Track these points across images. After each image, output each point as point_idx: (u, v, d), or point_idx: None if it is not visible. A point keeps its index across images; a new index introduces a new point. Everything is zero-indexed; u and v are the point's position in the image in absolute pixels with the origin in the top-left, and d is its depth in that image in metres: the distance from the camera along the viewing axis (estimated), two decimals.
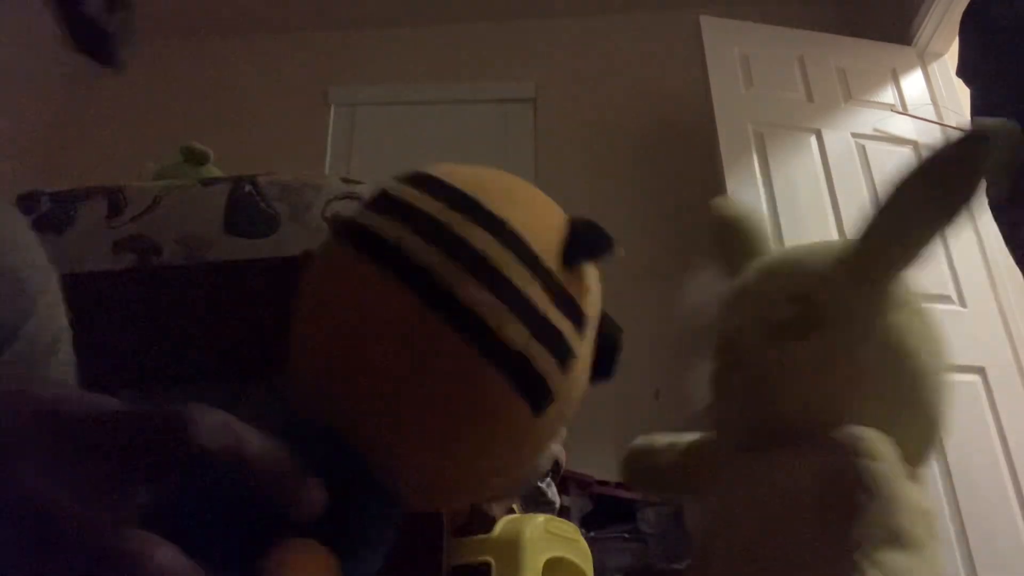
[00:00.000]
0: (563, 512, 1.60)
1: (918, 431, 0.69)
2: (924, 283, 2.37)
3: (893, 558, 0.57)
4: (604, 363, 0.42)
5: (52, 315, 0.47)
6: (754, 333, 0.72)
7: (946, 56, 2.58)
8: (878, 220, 0.70)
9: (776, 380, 0.69)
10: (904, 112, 2.47)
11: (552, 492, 1.45)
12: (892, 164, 2.37)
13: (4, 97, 2.79)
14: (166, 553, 0.25)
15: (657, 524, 1.91)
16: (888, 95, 2.53)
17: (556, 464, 1.42)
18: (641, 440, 0.86)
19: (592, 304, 0.41)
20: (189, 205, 0.93)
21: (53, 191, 0.96)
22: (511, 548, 0.75)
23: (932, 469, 1.92)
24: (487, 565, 0.73)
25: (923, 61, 2.60)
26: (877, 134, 2.43)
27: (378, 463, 0.34)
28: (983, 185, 0.65)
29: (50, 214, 0.93)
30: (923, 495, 0.65)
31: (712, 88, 2.42)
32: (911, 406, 0.68)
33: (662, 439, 0.84)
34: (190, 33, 3.26)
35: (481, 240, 0.35)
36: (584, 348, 0.39)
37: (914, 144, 2.43)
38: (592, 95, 3.06)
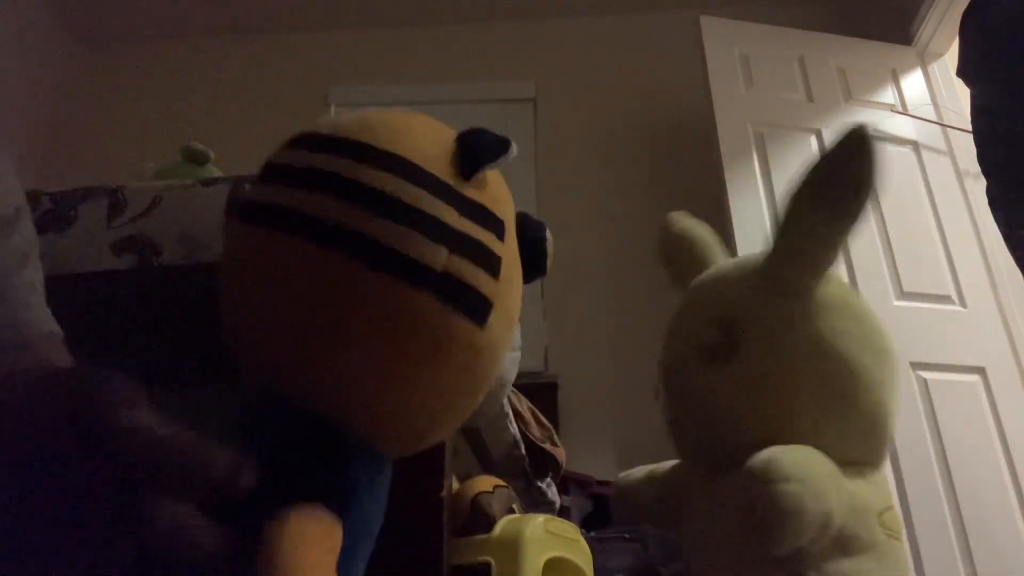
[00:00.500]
0: (563, 512, 1.60)
1: (863, 429, 0.69)
2: (924, 283, 2.36)
3: (839, 565, 0.59)
4: (535, 260, 0.42)
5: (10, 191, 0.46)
6: (686, 360, 0.73)
7: (946, 56, 2.58)
8: (781, 232, 0.70)
9: (711, 405, 0.70)
10: (904, 112, 2.47)
11: (552, 492, 1.45)
12: (892, 164, 2.38)
13: (4, 97, 2.79)
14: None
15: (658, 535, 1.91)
16: (888, 95, 2.53)
17: (556, 464, 1.42)
18: (622, 477, 0.87)
19: (504, 207, 0.40)
20: (189, 205, 0.93)
21: (53, 191, 0.96)
22: (511, 548, 0.75)
23: (932, 469, 1.92)
24: (487, 565, 0.73)
25: (923, 61, 2.60)
26: (878, 134, 2.43)
27: (344, 418, 0.34)
28: (874, 181, 0.65)
29: (50, 214, 0.93)
30: (876, 494, 0.65)
31: (712, 88, 2.42)
32: (850, 408, 0.68)
33: (640, 472, 0.85)
34: (190, 33, 3.26)
35: (372, 177, 0.35)
36: (508, 251, 0.39)
37: (914, 144, 2.43)
38: (592, 95, 3.06)
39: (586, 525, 1.90)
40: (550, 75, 3.12)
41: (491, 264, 0.36)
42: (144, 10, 3.13)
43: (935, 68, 2.60)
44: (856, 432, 0.68)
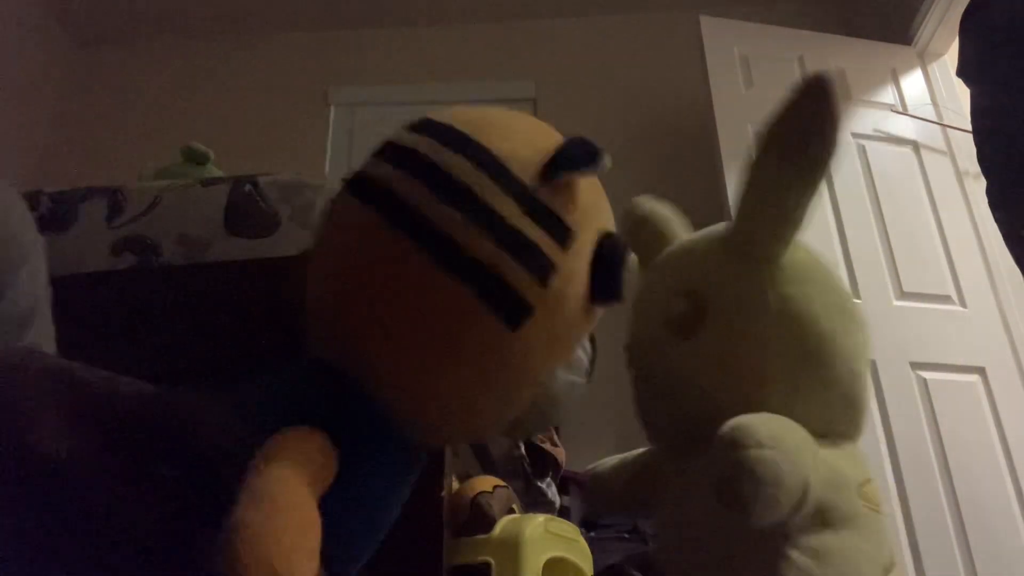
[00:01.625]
0: (563, 512, 1.60)
1: (836, 399, 0.66)
2: (924, 283, 2.37)
3: (822, 539, 0.56)
4: (604, 279, 0.41)
5: (34, 283, 0.47)
6: (654, 334, 0.71)
7: (946, 56, 2.57)
8: (746, 194, 0.67)
9: (680, 380, 0.67)
10: (904, 112, 2.47)
11: (552, 492, 1.45)
12: (892, 164, 2.38)
13: (4, 97, 2.79)
14: None
15: (654, 526, 1.91)
16: (888, 95, 2.53)
17: (556, 464, 1.42)
18: (595, 467, 0.84)
19: (584, 220, 0.40)
20: (189, 205, 0.93)
21: (53, 191, 0.96)
22: (511, 548, 0.75)
23: (932, 469, 1.92)
24: (487, 565, 0.73)
25: (923, 61, 2.60)
26: (877, 134, 2.43)
27: (371, 384, 0.35)
28: (838, 129, 0.61)
29: (50, 214, 0.92)
30: (854, 466, 0.62)
31: (712, 88, 2.42)
32: (823, 376, 0.65)
33: (612, 461, 0.83)
34: (190, 33, 3.25)
35: (459, 167, 0.36)
36: (570, 262, 0.38)
37: (914, 144, 2.43)
38: (592, 95, 3.06)
39: (586, 525, 1.90)
40: (550, 75, 3.12)
41: (540, 268, 0.36)
42: (144, 10, 3.12)
43: (935, 68, 2.60)
44: (830, 402, 0.66)
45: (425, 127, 0.40)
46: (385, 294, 0.35)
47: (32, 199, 0.94)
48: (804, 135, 0.61)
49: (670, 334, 0.68)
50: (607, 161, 0.38)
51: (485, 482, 0.82)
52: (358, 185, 0.39)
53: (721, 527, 0.60)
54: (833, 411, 0.66)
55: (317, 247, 0.40)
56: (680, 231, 0.81)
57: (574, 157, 0.38)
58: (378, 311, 0.35)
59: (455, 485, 0.80)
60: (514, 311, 0.35)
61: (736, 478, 0.52)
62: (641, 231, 0.82)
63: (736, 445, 0.53)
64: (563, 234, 0.38)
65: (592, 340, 0.47)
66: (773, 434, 0.55)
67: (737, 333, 0.65)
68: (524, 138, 0.40)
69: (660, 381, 0.70)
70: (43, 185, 0.98)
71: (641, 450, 0.80)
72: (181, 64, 3.23)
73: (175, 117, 3.04)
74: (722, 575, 0.60)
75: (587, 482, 0.83)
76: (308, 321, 0.39)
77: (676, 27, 2.90)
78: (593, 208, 0.41)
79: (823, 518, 0.57)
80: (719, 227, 0.73)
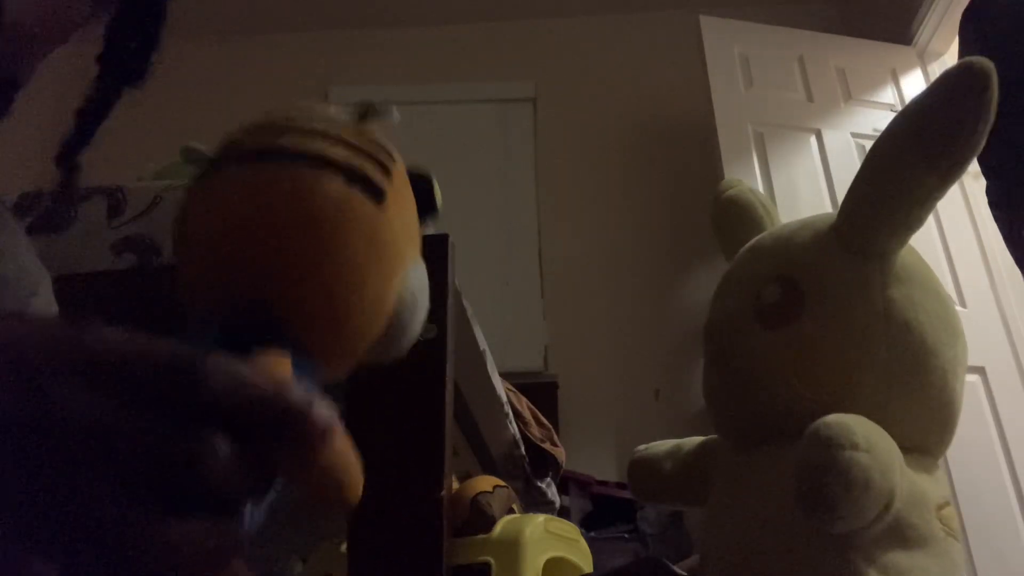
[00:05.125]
0: (563, 512, 1.60)
1: (929, 413, 0.62)
2: None
3: (894, 557, 0.53)
4: (425, 200, 0.47)
5: (47, 313, 0.48)
6: (740, 320, 0.67)
7: (946, 56, 2.57)
8: (863, 182, 0.64)
9: (765, 369, 0.64)
10: None
11: (552, 492, 1.45)
12: None
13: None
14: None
15: (657, 524, 1.91)
16: (888, 95, 2.53)
17: (556, 464, 1.42)
18: (642, 449, 0.79)
19: (393, 152, 0.46)
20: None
21: (53, 191, 0.96)
22: (511, 548, 0.74)
23: None
24: (487, 565, 0.73)
25: (923, 61, 2.60)
26: (877, 134, 2.43)
27: (285, 316, 0.38)
28: (980, 134, 0.57)
29: (50, 214, 0.93)
30: (935, 487, 0.59)
31: (712, 88, 2.42)
32: (919, 387, 0.61)
33: (663, 446, 0.79)
34: (190, 33, 3.26)
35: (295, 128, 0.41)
36: (398, 171, 0.44)
37: None
38: (592, 95, 3.06)
39: (586, 525, 1.90)
40: (550, 75, 3.12)
41: (385, 165, 0.42)
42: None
43: (935, 68, 2.60)
44: (921, 415, 0.62)
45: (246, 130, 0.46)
46: (267, 218, 0.39)
47: (32, 199, 0.94)
48: (947, 133, 0.57)
49: (758, 320, 0.64)
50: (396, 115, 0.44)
51: (485, 482, 0.82)
52: (216, 160, 0.43)
53: (787, 526, 0.56)
54: (922, 424, 0.62)
55: (185, 233, 0.42)
56: (767, 216, 0.76)
57: (370, 108, 0.45)
58: (265, 226, 0.39)
59: (455, 485, 0.80)
60: (378, 192, 0.41)
61: (827, 477, 0.50)
62: (727, 212, 0.79)
63: (831, 443, 0.51)
64: (387, 155, 0.44)
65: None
66: (869, 438, 0.52)
67: (836, 326, 0.61)
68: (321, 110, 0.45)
69: (741, 368, 0.66)
70: (43, 185, 0.98)
71: (697, 438, 0.77)
72: (181, 64, 3.23)
73: (175, 117, 3.05)
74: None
75: (631, 465, 0.80)
76: (193, 300, 0.42)
77: (676, 27, 2.90)
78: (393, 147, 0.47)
79: (898, 535, 0.54)
80: (823, 217, 0.69)
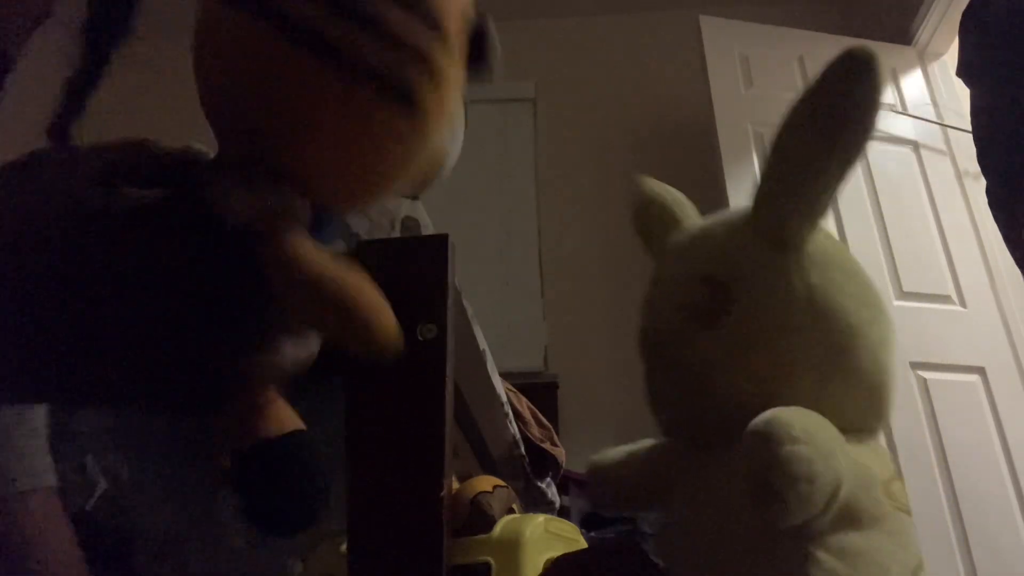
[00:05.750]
0: (563, 512, 1.60)
1: (863, 392, 0.63)
2: (924, 283, 2.35)
3: (849, 540, 0.54)
4: (478, 52, 0.45)
5: None
6: (672, 324, 0.66)
7: (946, 56, 2.58)
8: (772, 172, 0.63)
9: (701, 371, 0.64)
10: (904, 112, 2.47)
11: (552, 492, 1.45)
12: (892, 164, 2.38)
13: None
14: None
15: (657, 524, 1.91)
16: (888, 95, 2.53)
17: (556, 464, 1.42)
18: (597, 458, 0.79)
19: (448, 7, 0.44)
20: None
21: None
22: (511, 548, 0.74)
23: (932, 469, 1.92)
24: (487, 565, 0.72)
25: (923, 61, 2.60)
26: (877, 134, 2.43)
27: (295, 175, 0.39)
28: (877, 110, 0.58)
29: None
30: (880, 463, 0.60)
31: (712, 88, 2.42)
32: (850, 368, 0.62)
33: (618, 453, 0.79)
34: (190, 33, 3.25)
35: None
36: (443, 44, 0.42)
37: (914, 144, 2.43)
38: (592, 95, 3.06)
39: (586, 525, 1.90)
40: (550, 75, 3.12)
41: (424, 58, 0.40)
42: (144, 9, 3.12)
43: (935, 68, 2.60)
44: (856, 395, 0.63)
45: None
46: (301, 103, 0.38)
47: None
48: (843, 112, 0.58)
49: (690, 323, 0.64)
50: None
51: (485, 482, 0.82)
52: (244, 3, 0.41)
53: (742, 525, 0.57)
54: (859, 405, 0.63)
55: (202, 62, 0.43)
56: (690, 213, 0.76)
57: None
58: (293, 105, 0.39)
59: (455, 485, 0.80)
60: (408, 102, 0.39)
61: (770, 475, 0.50)
62: (648, 212, 0.77)
63: (770, 440, 0.51)
64: (433, 19, 0.41)
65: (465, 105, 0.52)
66: (807, 429, 0.52)
67: (765, 322, 0.61)
68: None
69: (681, 372, 0.66)
70: None
71: (650, 441, 0.76)
72: (181, 64, 3.22)
73: (175, 117, 3.05)
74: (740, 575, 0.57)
75: (588, 473, 0.79)
76: (216, 122, 0.43)
77: (676, 27, 2.90)
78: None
79: (850, 518, 0.55)
80: (738, 210, 0.68)
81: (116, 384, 0.31)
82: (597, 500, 0.82)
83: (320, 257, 0.36)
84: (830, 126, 0.58)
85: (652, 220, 0.76)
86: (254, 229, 0.34)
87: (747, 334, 0.61)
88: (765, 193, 0.64)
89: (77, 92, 0.56)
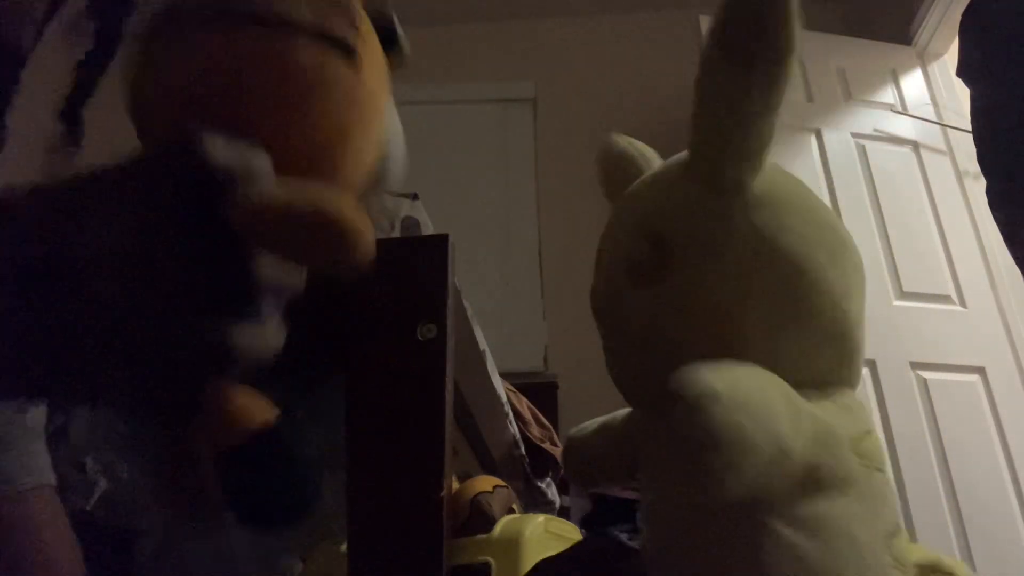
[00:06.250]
0: (563, 512, 1.60)
1: (823, 341, 0.57)
2: (924, 283, 2.35)
3: (812, 508, 0.49)
4: (389, 38, 0.48)
5: None
6: (617, 283, 0.62)
7: (946, 56, 2.58)
8: (699, 114, 0.58)
9: (647, 333, 0.58)
10: (904, 112, 2.47)
11: (552, 492, 1.45)
12: (892, 164, 2.38)
13: None
14: None
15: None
16: (888, 95, 2.53)
17: (556, 464, 1.42)
18: (573, 432, 0.74)
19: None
20: None
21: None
22: (511, 548, 0.74)
23: (932, 469, 1.93)
24: (487, 565, 0.72)
25: (923, 61, 2.60)
26: (877, 134, 2.43)
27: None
28: (782, 29, 0.54)
29: None
30: (848, 419, 0.54)
31: None
32: (806, 316, 0.56)
33: (593, 425, 0.74)
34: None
35: None
36: (364, 39, 0.43)
37: (914, 144, 2.43)
38: (592, 95, 3.06)
39: (586, 525, 1.89)
40: (550, 75, 3.12)
41: (353, 23, 0.42)
42: (143, 9, 3.12)
43: (935, 68, 2.60)
44: (816, 345, 0.56)
45: None
46: (244, 72, 0.39)
47: None
48: (756, 30, 0.53)
49: (632, 281, 0.59)
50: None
51: (485, 482, 0.82)
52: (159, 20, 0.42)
53: (692, 496, 0.51)
54: (820, 355, 0.57)
55: (149, 94, 0.44)
56: (647, 168, 0.71)
57: None
58: (240, 90, 0.39)
59: (455, 485, 0.80)
60: (348, 51, 0.41)
61: (691, 445, 0.44)
62: (614, 169, 0.72)
63: (689, 405, 0.45)
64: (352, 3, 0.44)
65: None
66: (734, 387, 0.46)
67: (704, 274, 0.56)
68: None
69: (626, 333, 0.61)
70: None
71: (624, 411, 0.72)
72: None
73: None
74: (698, 555, 0.52)
75: (563, 448, 0.74)
76: (146, 122, 0.44)
77: (676, 27, 2.90)
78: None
79: (813, 483, 0.49)
80: (675, 159, 0.64)
81: (93, 382, 0.31)
82: (572, 475, 0.78)
83: (285, 188, 0.36)
84: (741, 47, 0.54)
85: (616, 175, 0.71)
86: (239, 181, 0.34)
87: (689, 290, 0.56)
88: (698, 136, 0.59)
89: (88, 74, 0.56)
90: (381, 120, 0.44)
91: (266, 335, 0.33)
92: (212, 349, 0.29)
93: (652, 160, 0.72)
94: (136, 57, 0.43)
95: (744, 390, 0.47)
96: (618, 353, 0.65)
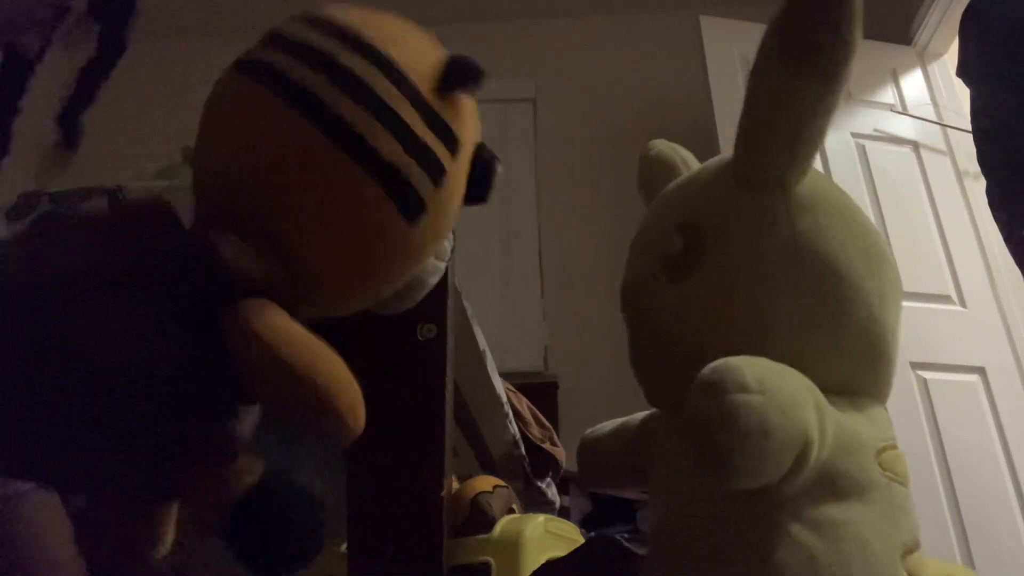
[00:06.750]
0: (563, 512, 1.60)
1: (855, 350, 0.57)
2: (924, 283, 2.36)
3: (826, 511, 0.48)
4: (479, 185, 0.46)
5: None
6: (648, 277, 0.61)
7: (946, 56, 2.57)
8: (751, 111, 0.57)
9: (674, 327, 0.58)
10: (904, 112, 2.47)
11: (552, 492, 1.45)
12: (892, 164, 2.38)
13: None
14: None
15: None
16: (888, 95, 2.53)
17: (556, 464, 1.42)
18: (588, 433, 0.74)
19: (466, 131, 0.44)
20: (189, 205, 0.93)
21: (53, 191, 0.96)
22: (511, 548, 0.74)
23: (932, 469, 1.92)
24: (487, 565, 0.72)
25: (923, 61, 2.60)
26: (877, 134, 2.43)
27: (278, 258, 0.39)
28: (851, 41, 0.53)
29: (50, 214, 0.92)
30: (873, 429, 0.54)
31: (712, 88, 2.42)
32: (839, 322, 0.56)
33: (609, 426, 0.74)
34: (191, 33, 3.26)
35: (361, 68, 0.39)
36: (456, 168, 0.43)
37: (914, 144, 2.43)
38: (592, 95, 3.06)
39: (586, 525, 1.89)
40: (550, 75, 3.12)
41: (436, 172, 0.41)
42: (144, 9, 3.12)
43: (935, 68, 2.60)
44: (847, 353, 0.56)
45: (313, 23, 0.42)
46: (302, 181, 0.38)
47: (32, 198, 0.94)
48: (816, 27, 0.52)
49: (664, 274, 0.59)
50: (490, 82, 0.42)
51: (485, 482, 0.82)
52: (253, 69, 0.41)
53: (706, 494, 0.51)
54: (850, 363, 0.56)
55: (209, 126, 0.42)
56: (686, 171, 0.71)
57: (465, 75, 0.43)
58: (292, 193, 0.38)
59: (455, 485, 0.80)
60: (413, 207, 0.40)
61: (713, 427, 0.43)
62: (650, 168, 0.71)
63: (715, 389, 0.44)
64: (453, 144, 0.42)
65: (453, 232, 0.53)
66: (761, 377, 0.45)
67: (736, 271, 0.55)
68: (416, 48, 0.43)
69: (653, 328, 0.61)
70: (43, 185, 0.98)
71: (642, 413, 0.71)
72: (181, 64, 3.22)
73: (175, 117, 3.04)
74: (709, 554, 0.51)
75: (578, 450, 0.74)
76: (203, 190, 0.42)
77: (676, 27, 2.90)
78: (471, 121, 0.46)
79: (829, 486, 0.48)
80: (721, 157, 0.63)
81: (79, 467, 0.31)
82: (586, 478, 0.78)
83: (289, 332, 0.35)
84: (801, 48, 0.53)
85: (654, 176, 0.70)
86: (253, 289, 0.34)
87: (720, 285, 0.56)
88: (747, 133, 0.58)
89: (89, 81, 0.57)
90: (421, 264, 0.44)
91: (244, 426, 0.33)
92: (194, 442, 0.30)
93: (693, 165, 0.71)
94: (224, 80, 0.43)
95: (771, 381, 0.46)
96: (643, 347, 0.64)
